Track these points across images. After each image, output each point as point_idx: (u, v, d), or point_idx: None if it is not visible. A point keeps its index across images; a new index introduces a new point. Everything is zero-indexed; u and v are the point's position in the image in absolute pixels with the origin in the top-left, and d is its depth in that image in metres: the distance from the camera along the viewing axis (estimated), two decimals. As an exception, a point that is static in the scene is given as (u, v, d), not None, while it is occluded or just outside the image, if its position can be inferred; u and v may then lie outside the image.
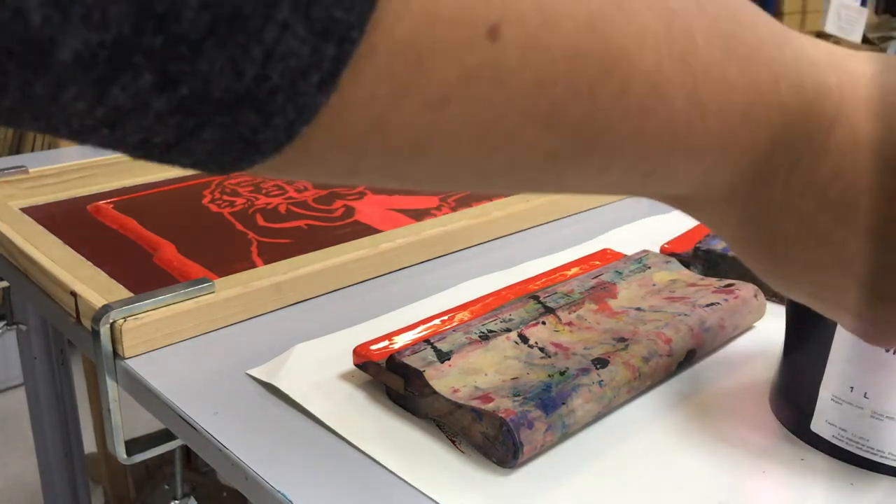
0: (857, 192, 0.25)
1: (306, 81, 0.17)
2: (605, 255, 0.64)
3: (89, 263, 0.60)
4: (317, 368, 0.50)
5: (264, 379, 0.49)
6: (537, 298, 0.54)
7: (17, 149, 1.84)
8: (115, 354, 0.52)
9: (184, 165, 0.20)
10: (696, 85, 0.22)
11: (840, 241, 0.26)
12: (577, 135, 0.21)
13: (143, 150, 0.19)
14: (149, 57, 0.16)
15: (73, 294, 0.55)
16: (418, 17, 0.18)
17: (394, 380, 0.47)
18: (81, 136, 0.18)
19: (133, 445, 0.55)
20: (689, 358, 0.51)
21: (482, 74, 0.19)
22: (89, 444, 1.15)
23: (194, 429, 0.46)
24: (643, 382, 0.48)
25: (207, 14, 0.15)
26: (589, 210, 0.79)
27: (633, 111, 0.21)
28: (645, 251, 0.62)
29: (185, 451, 1.20)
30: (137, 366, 0.51)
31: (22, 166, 0.77)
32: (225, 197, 0.79)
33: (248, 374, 0.50)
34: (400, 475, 0.42)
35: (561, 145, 0.21)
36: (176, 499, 1.16)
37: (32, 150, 1.82)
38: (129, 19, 0.15)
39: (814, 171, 0.25)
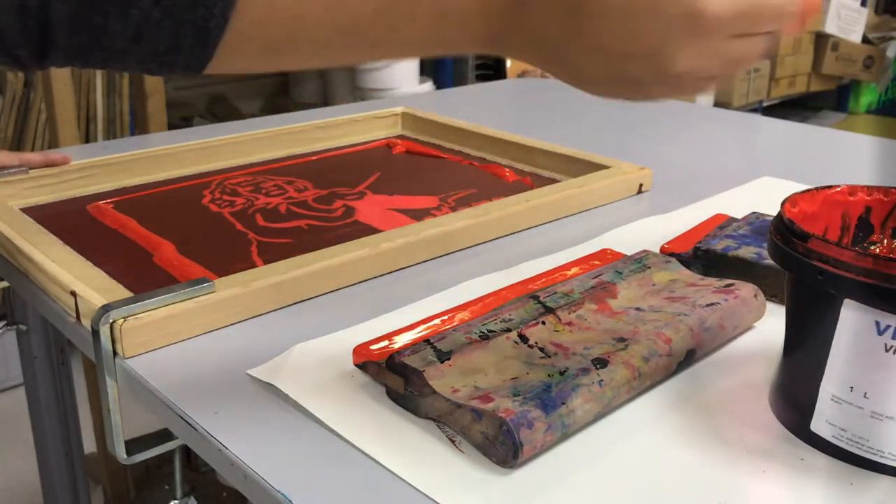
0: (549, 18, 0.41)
1: None
2: (605, 255, 0.64)
3: (89, 263, 0.60)
4: (317, 368, 0.50)
5: (264, 379, 0.49)
6: (537, 298, 0.54)
7: (17, 149, 1.84)
8: (115, 354, 0.52)
9: (174, 66, 0.39)
10: None
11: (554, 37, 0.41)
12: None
13: (154, 61, 0.38)
14: None
15: (73, 294, 0.55)
16: None
17: (394, 380, 0.47)
18: (123, 56, 0.38)
19: (133, 445, 0.55)
20: (689, 358, 0.51)
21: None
22: (89, 444, 1.15)
23: (194, 429, 0.46)
24: (643, 382, 0.48)
25: None
26: (589, 210, 0.79)
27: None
28: (645, 251, 0.62)
29: (185, 450, 1.20)
30: (137, 366, 0.51)
31: (22, 166, 0.77)
32: (225, 197, 0.79)
33: (248, 374, 0.50)
34: (400, 475, 0.42)
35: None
36: (176, 499, 1.16)
37: (32, 150, 1.82)
38: None
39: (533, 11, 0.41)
